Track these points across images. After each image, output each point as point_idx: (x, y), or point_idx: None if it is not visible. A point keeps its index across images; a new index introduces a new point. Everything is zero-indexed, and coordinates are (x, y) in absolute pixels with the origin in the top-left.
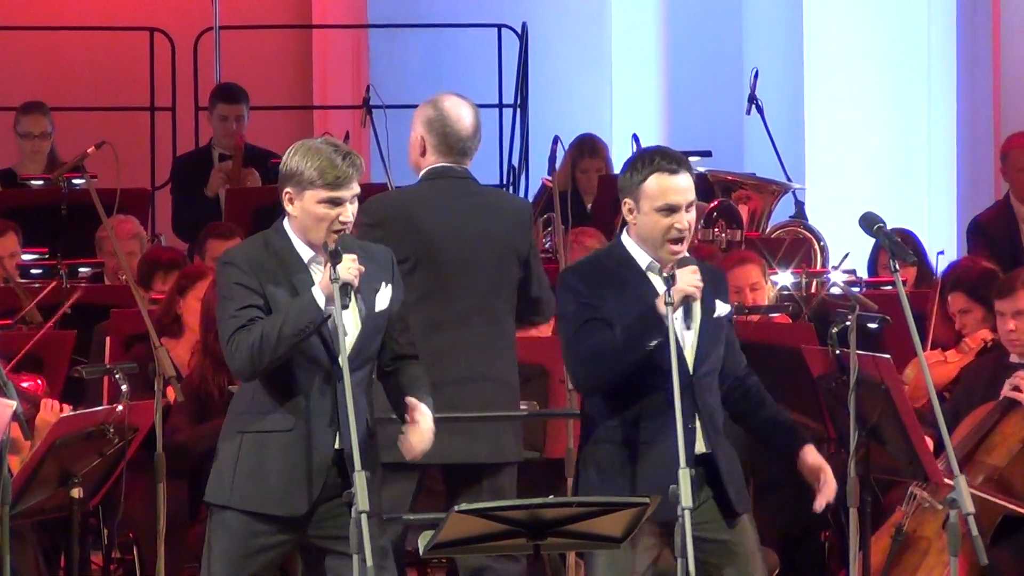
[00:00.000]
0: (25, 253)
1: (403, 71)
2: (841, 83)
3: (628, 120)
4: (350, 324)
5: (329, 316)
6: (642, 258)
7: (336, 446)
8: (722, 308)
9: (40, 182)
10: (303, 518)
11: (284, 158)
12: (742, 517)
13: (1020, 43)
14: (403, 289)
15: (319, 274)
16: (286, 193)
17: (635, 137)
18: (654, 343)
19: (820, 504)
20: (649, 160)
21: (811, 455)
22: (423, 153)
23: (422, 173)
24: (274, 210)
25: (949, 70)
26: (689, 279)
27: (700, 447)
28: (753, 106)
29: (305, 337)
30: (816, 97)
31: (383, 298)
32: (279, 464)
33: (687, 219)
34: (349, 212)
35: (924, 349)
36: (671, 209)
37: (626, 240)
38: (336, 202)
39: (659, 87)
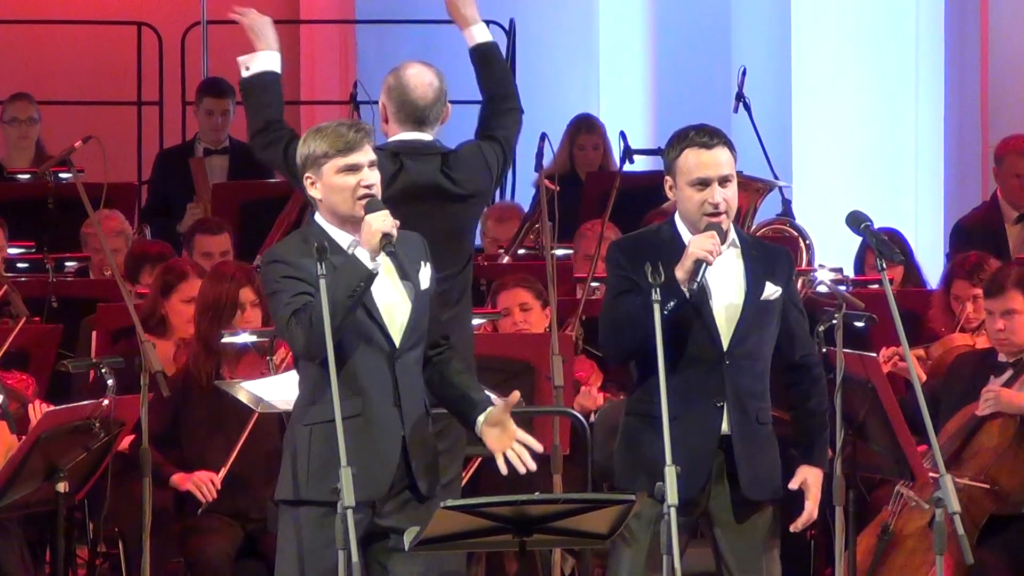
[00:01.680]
0: (11, 247)
1: (391, 66)
2: (828, 81)
3: (616, 117)
4: (400, 301)
5: (376, 273)
6: (688, 237)
7: (401, 429)
8: (771, 290)
9: (27, 176)
10: (377, 504)
11: (297, 151)
12: (762, 504)
13: (1008, 41)
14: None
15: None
16: (307, 179)
17: (622, 134)
18: (671, 305)
19: (796, 526)
20: (684, 136)
21: (805, 474)
22: (386, 120)
23: (388, 144)
24: (261, 205)
25: (937, 69)
26: (701, 243)
27: (725, 428)
28: (740, 104)
29: (358, 297)
30: (803, 95)
31: (425, 277)
32: (351, 449)
33: (721, 194)
34: (370, 176)
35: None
36: (703, 183)
37: (677, 219)
38: (354, 168)
39: (647, 84)
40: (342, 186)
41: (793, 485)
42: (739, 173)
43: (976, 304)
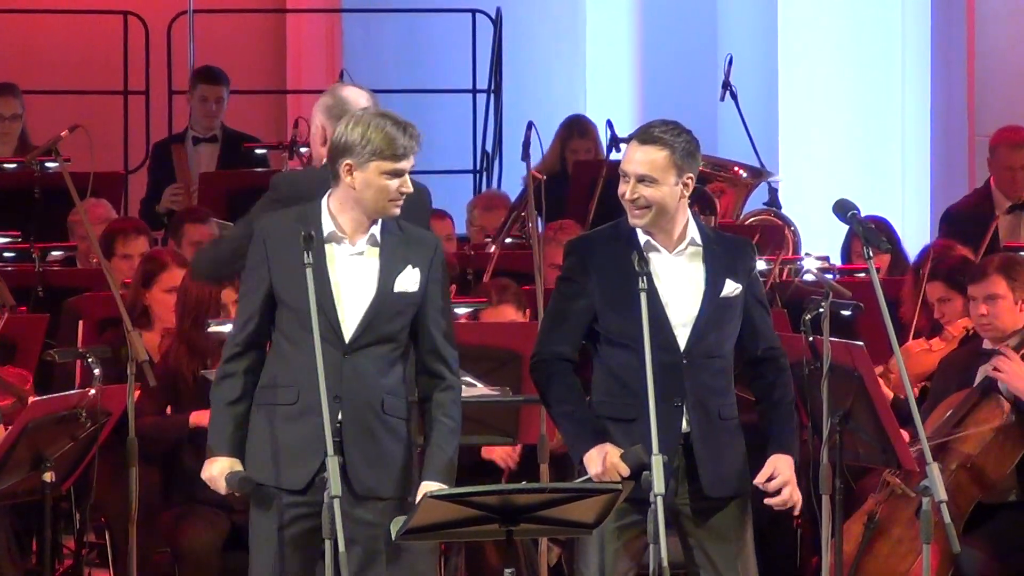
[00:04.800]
0: None
1: (377, 56)
2: (815, 70)
3: (602, 106)
4: (364, 298)
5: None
6: (642, 235)
7: (337, 424)
8: (731, 287)
9: (13, 165)
10: (306, 491)
11: (340, 128)
12: (731, 500)
13: (995, 30)
14: (445, 288)
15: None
16: (345, 165)
17: (609, 123)
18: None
19: (772, 503)
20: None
21: (775, 463)
22: (324, 142)
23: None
24: (250, 194)
25: (923, 58)
26: (595, 470)
27: (685, 427)
28: (727, 93)
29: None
30: (790, 84)
31: (408, 280)
32: (283, 437)
33: (637, 189)
34: (407, 184)
35: (898, 336)
36: (624, 175)
37: None
38: (398, 174)
39: (633, 73)
40: (383, 187)
41: (760, 479)
42: (728, 162)
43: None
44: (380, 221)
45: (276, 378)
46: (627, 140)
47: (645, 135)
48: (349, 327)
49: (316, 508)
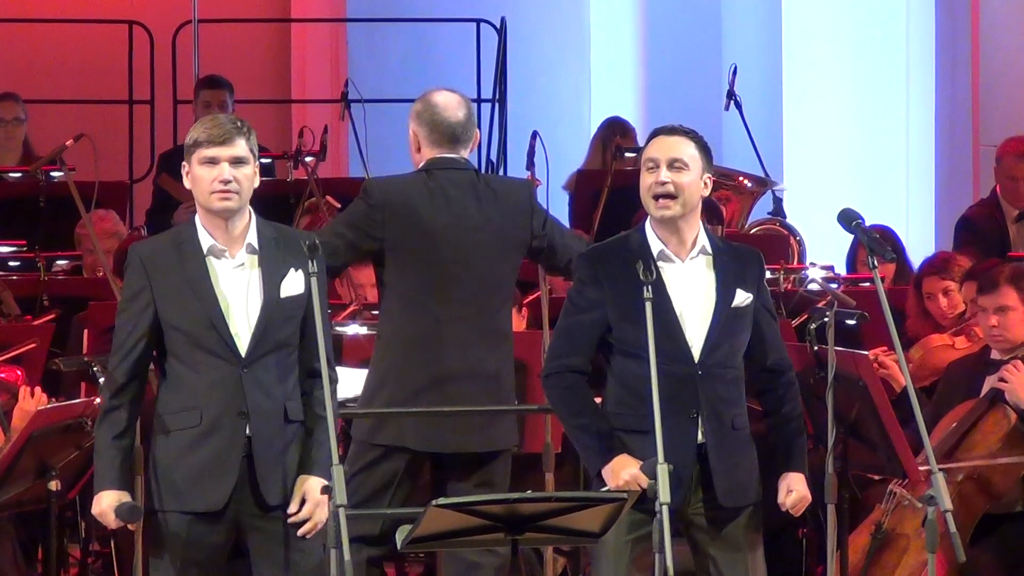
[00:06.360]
0: (2, 245)
1: (382, 65)
2: (819, 79)
3: (607, 115)
4: (253, 308)
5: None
6: (655, 244)
7: (245, 440)
8: (742, 297)
9: (18, 175)
10: (224, 512)
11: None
12: (743, 509)
13: (999, 38)
14: (321, 282)
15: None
16: (184, 171)
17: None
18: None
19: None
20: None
21: (788, 481)
22: (418, 149)
23: (421, 165)
24: (254, 204)
25: (927, 66)
26: (615, 482)
27: (700, 438)
28: (732, 102)
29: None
30: (794, 93)
31: (292, 284)
32: (190, 460)
33: (667, 175)
34: (226, 171)
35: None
36: (653, 164)
37: (647, 225)
38: (214, 161)
39: (638, 82)
40: (199, 177)
41: (781, 499)
42: (734, 172)
43: (950, 298)
44: (254, 227)
45: (173, 403)
46: (634, 150)
47: (669, 128)
48: (243, 341)
49: (231, 526)
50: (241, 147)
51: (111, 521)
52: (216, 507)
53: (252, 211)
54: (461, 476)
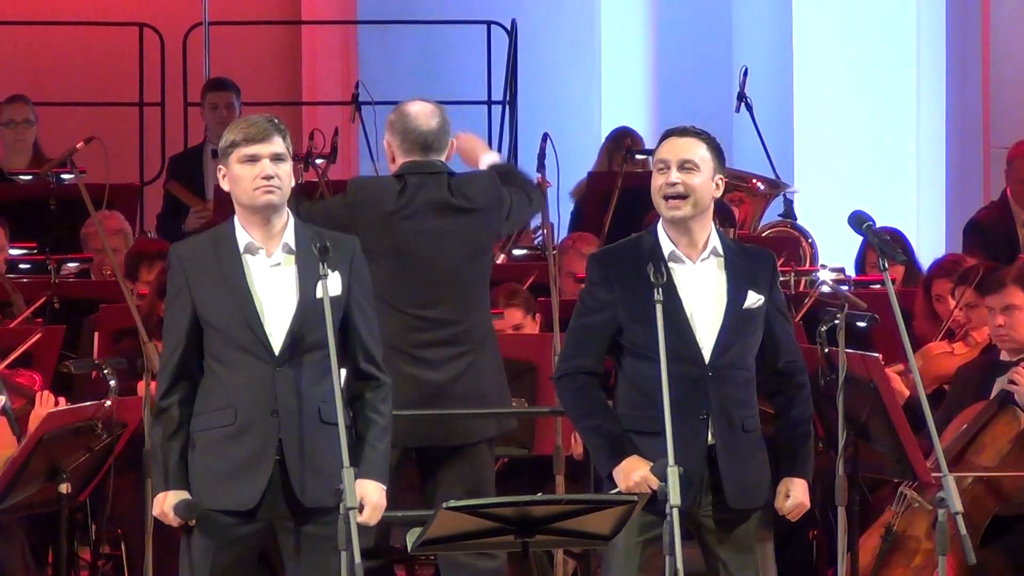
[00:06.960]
0: (13, 248)
1: (392, 67)
2: (830, 81)
3: (617, 117)
4: (288, 309)
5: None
6: (666, 245)
7: (277, 440)
8: (754, 298)
9: (29, 177)
10: (255, 511)
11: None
12: (753, 511)
13: (1010, 41)
14: (367, 286)
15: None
16: (221, 173)
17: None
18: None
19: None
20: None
21: (788, 486)
22: (393, 159)
23: (394, 171)
24: None
25: (938, 69)
26: (625, 484)
27: (710, 439)
28: (742, 104)
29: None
30: (805, 95)
31: (332, 285)
32: (223, 458)
33: (677, 176)
34: (268, 167)
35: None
36: (664, 165)
37: (659, 227)
38: (254, 159)
39: (648, 84)
40: (239, 176)
41: (779, 503)
42: (746, 174)
43: (971, 311)
44: (292, 228)
45: (210, 402)
46: (644, 151)
47: (681, 129)
48: (277, 340)
49: (264, 525)
50: (279, 144)
51: (172, 520)
52: (247, 506)
53: (290, 212)
54: (444, 468)
